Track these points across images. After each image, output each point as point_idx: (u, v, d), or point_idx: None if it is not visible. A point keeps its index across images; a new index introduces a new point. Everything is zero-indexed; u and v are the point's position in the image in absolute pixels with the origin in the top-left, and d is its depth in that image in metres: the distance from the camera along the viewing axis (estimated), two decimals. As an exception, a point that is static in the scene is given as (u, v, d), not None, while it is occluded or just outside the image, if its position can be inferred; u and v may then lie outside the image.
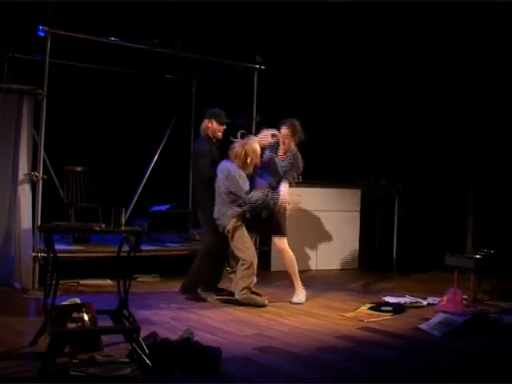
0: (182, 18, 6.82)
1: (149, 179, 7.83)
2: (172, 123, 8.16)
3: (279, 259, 7.12)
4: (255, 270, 5.26)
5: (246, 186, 5.21)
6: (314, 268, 7.39)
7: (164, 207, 7.50)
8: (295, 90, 7.91)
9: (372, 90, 8.17)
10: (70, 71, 7.06)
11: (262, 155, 5.42)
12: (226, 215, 5.20)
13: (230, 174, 5.19)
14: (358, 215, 7.83)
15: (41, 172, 5.64)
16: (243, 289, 5.12)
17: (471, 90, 7.45)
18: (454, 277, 5.55)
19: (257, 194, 5.19)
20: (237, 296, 5.14)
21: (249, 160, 5.23)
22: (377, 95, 8.22)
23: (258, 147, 5.32)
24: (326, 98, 8.18)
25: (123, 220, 3.83)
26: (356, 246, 7.81)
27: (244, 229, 5.26)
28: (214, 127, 5.44)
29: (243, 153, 5.21)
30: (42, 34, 5.59)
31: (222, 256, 5.55)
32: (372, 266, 7.74)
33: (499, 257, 5.71)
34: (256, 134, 6.74)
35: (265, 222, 5.44)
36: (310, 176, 7.41)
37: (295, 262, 5.46)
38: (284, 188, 5.32)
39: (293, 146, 5.50)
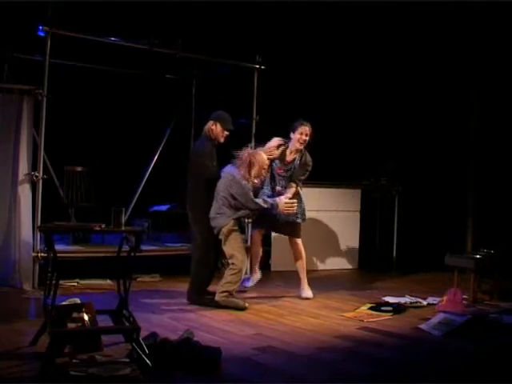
0: (182, 18, 6.82)
1: (149, 179, 7.83)
2: (172, 123, 8.16)
3: (279, 259, 7.17)
4: (242, 276, 5.19)
5: (250, 193, 5.14)
6: (314, 268, 7.38)
7: (164, 207, 7.50)
8: (295, 90, 7.91)
9: (372, 89, 8.18)
10: (70, 71, 7.07)
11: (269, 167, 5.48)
12: (223, 216, 5.10)
13: (234, 178, 5.10)
14: (358, 215, 7.83)
15: (41, 172, 5.64)
16: (224, 292, 5.02)
17: (471, 90, 7.45)
18: (453, 277, 5.56)
19: (259, 201, 5.18)
20: (216, 297, 5.04)
21: (253, 172, 5.17)
22: (377, 95, 8.22)
23: (266, 161, 5.27)
24: (326, 98, 8.18)
25: (123, 220, 3.83)
26: (356, 245, 7.81)
27: (239, 233, 5.20)
28: (217, 131, 5.30)
29: (250, 163, 5.14)
30: (42, 34, 5.59)
31: (216, 258, 5.43)
32: (372, 265, 7.75)
33: (499, 257, 5.71)
34: (255, 134, 6.75)
35: (282, 224, 5.56)
36: (310, 176, 7.42)
37: (304, 260, 5.73)
38: (286, 196, 5.43)
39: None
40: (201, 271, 5.23)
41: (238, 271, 5.06)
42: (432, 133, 7.88)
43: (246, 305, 5.05)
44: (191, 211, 5.32)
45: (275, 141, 5.62)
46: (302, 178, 5.70)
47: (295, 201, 5.45)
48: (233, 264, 5.08)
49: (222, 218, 5.11)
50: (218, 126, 5.30)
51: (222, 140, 5.35)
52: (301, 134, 5.59)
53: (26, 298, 5.21)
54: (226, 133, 5.34)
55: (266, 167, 5.30)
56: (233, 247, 5.09)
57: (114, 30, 6.27)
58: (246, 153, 5.24)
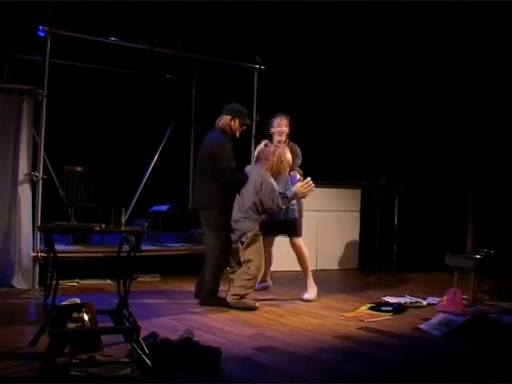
0: (182, 18, 6.82)
1: (149, 179, 7.82)
2: (172, 123, 8.16)
3: (279, 259, 7.16)
4: (256, 283, 5.18)
5: (278, 198, 5.10)
6: (314, 268, 7.34)
7: (164, 207, 7.50)
8: (295, 90, 7.91)
9: (372, 89, 8.18)
10: (70, 71, 7.06)
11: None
12: (248, 220, 5.05)
13: (264, 181, 5.05)
14: (358, 215, 7.83)
15: (41, 172, 5.64)
16: (236, 295, 5.01)
17: (471, 90, 7.45)
18: (453, 277, 5.56)
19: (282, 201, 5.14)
20: (228, 299, 5.04)
21: (282, 168, 5.18)
22: (377, 95, 8.22)
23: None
24: (326, 98, 8.18)
25: (123, 220, 3.83)
26: (356, 245, 7.81)
27: (261, 240, 5.14)
28: (236, 126, 5.14)
29: (279, 162, 5.14)
30: (42, 34, 5.58)
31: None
32: (372, 265, 7.75)
33: (499, 257, 5.71)
34: (255, 134, 6.75)
35: (282, 224, 5.53)
36: (310, 176, 7.42)
37: (309, 261, 5.64)
38: (297, 181, 5.39)
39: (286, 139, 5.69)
40: (218, 274, 5.15)
41: (252, 278, 5.05)
42: (432, 133, 7.87)
43: (257, 304, 5.04)
44: (207, 212, 5.10)
45: (263, 144, 5.56)
46: (299, 162, 5.67)
47: (309, 179, 5.31)
48: (248, 269, 5.05)
49: (247, 222, 5.07)
50: (237, 121, 5.16)
51: (237, 135, 5.23)
52: (279, 126, 5.65)
53: (26, 298, 5.21)
54: (244, 128, 5.26)
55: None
56: (252, 253, 5.06)
57: (114, 29, 6.27)
58: (275, 151, 5.20)
